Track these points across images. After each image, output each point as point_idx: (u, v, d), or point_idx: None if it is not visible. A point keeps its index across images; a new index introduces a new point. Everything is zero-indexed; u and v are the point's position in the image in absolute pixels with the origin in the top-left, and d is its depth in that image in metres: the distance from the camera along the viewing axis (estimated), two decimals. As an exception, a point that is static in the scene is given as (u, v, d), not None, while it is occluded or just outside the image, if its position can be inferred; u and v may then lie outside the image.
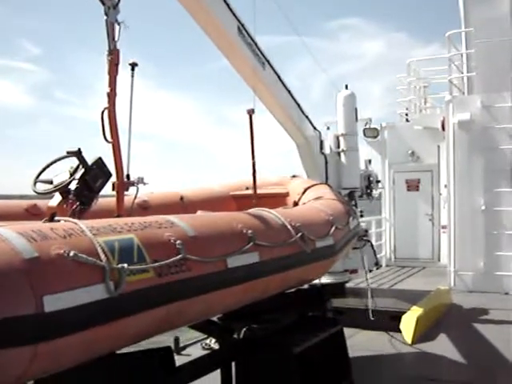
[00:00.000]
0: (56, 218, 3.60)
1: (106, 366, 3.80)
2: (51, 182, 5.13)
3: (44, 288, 2.80)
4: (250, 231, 4.67)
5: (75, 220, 3.45)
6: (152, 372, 4.13)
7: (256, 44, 8.77)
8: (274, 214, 5.47)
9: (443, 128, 15.14)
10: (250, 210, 5.52)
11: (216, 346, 8.78)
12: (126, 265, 3.24)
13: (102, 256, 3.16)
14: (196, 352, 8.41)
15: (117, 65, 5.50)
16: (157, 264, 3.50)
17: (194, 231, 4.10)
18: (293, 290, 6.75)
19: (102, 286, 3.11)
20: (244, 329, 6.50)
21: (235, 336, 6.50)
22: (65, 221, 3.51)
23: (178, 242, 3.79)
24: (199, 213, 5.43)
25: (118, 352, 4.07)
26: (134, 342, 3.76)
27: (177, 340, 8.97)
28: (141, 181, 5.60)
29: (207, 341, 9.30)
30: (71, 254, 2.99)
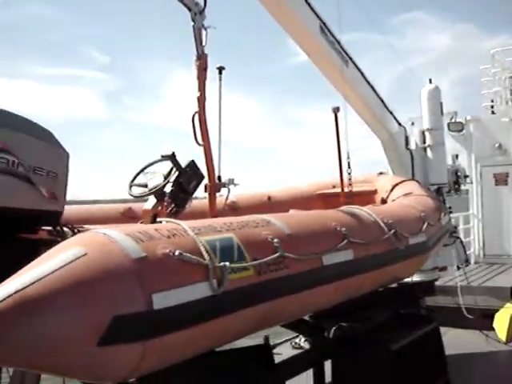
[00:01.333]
0: (158, 220, 3.71)
1: (207, 363, 3.87)
2: (146, 186, 5.27)
3: (153, 286, 2.89)
4: (343, 229, 4.67)
5: (177, 221, 3.54)
6: (253, 369, 4.19)
7: (339, 42, 8.74)
8: (365, 212, 5.44)
9: (532, 119, 14.60)
10: (342, 208, 5.51)
11: (306, 345, 8.76)
12: (227, 263, 3.30)
13: (205, 255, 3.23)
14: (287, 351, 8.42)
15: (205, 69, 5.61)
16: (256, 262, 3.56)
17: (290, 229, 4.14)
18: (383, 287, 6.68)
19: (206, 284, 3.18)
20: (334, 327, 6.48)
21: (326, 334, 6.48)
22: (166, 222, 3.61)
23: (276, 240, 3.83)
24: (292, 212, 5.46)
25: (218, 349, 4.14)
26: (235, 339, 3.82)
27: (267, 339, 9.00)
28: (231, 182, 5.69)
29: (297, 340, 9.29)
30: (176, 253, 3.07)
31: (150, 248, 3.03)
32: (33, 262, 2.81)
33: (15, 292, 2.55)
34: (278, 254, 3.75)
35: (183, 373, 3.65)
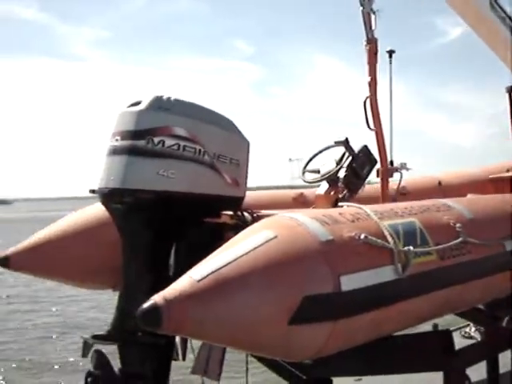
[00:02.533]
0: (339, 204, 3.77)
1: (389, 346, 3.89)
2: (318, 172, 5.32)
3: (340, 268, 2.96)
4: None
5: (359, 205, 3.58)
6: (435, 354, 4.16)
7: (510, 17, 8.30)
8: (548, 196, 5.17)
9: None
10: None
11: (476, 335, 8.49)
12: (411, 247, 3.30)
13: (389, 239, 3.25)
14: (456, 340, 8.19)
15: (375, 53, 5.59)
16: (440, 247, 3.52)
17: (471, 214, 4.06)
18: None
19: (391, 267, 3.20)
20: (507, 317, 6.21)
21: (501, 324, 6.23)
22: (348, 206, 3.66)
23: (458, 225, 3.77)
24: (469, 196, 5.31)
25: (396, 334, 4.13)
26: (416, 324, 3.81)
27: (436, 326, 8.80)
28: (404, 166, 5.63)
29: (467, 329, 9.02)
30: (361, 236, 3.12)
31: (336, 231, 3.10)
32: (226, 244, 2.96)
33: (212, 272, 2.69)
34: (460, 239, 3.69)
35: (365, 355, 3.71)
